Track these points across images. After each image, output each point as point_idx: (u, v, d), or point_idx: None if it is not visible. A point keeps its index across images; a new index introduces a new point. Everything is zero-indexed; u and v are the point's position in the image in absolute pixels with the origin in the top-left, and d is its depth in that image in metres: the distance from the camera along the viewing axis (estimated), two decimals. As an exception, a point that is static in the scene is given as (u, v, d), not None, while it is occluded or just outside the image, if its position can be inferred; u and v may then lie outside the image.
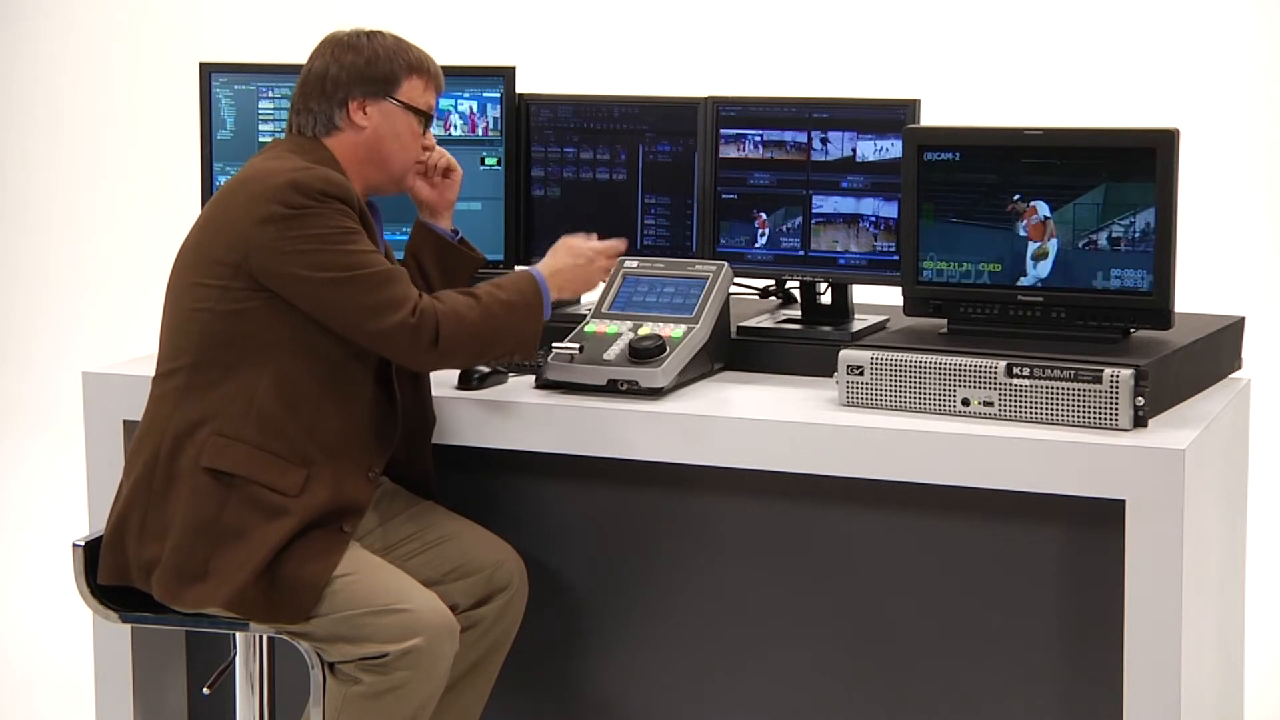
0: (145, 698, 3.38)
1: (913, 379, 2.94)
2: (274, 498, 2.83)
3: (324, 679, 2.86)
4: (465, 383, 3.13)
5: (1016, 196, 3.04)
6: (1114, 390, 2.80)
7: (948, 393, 2.92)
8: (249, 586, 2.80)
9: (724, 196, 3.39)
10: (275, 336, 2.86)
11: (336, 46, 3.00)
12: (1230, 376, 3.25)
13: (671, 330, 3.12)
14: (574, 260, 3.10)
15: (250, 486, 2.83)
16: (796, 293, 3.45)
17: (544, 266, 3.06)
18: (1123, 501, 2.74)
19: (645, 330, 3.12)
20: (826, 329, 3.31)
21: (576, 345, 3.08)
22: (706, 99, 3.40)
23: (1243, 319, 3.30)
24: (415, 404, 3.05)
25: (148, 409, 2.93)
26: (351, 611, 2.81)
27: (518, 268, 3.28)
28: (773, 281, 3.50)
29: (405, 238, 3.23)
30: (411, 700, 2.81)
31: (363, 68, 2.98)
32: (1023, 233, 3.04)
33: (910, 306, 3.14)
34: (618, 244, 3.20)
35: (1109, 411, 2.80)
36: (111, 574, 2.90)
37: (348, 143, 2.99)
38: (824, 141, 3.29)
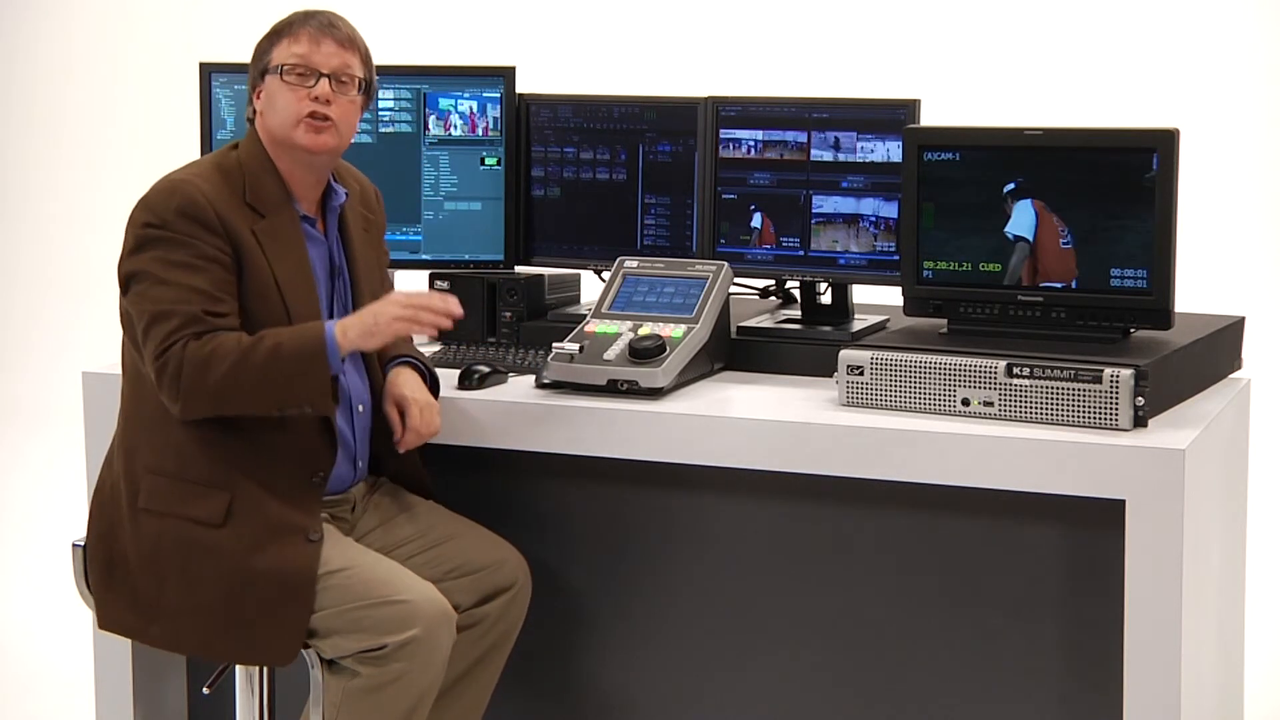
0: (145, 698, 3.38)
1: (913, 379, 2.94)
2: (201, 534, 2.80)
3: (323, 678, 2.86)
4: (465, 383, 3.13)
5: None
6: (1114, 390, 2.80)
7: (948, 393, 2.92)
8: (217, 633, 2.80)
9: (724, 196, 3.38)
10: None
11: None
12: (1230, 376, 3.25)
13: (671, 330, 3.12)
14: (377, 308, 2.84)
15: (180, 525, 2.82)
16: (796, 293, 3.45)
17: (342, 319, 2.84)
18: (1123, 501, 2.73)
19: (645, 330, 3.12)
20: (826, 329, 3.31)
21: (576, 345, 3.08)
22: (706, 99, 3.40)
23: (1243, 319, 3.30)
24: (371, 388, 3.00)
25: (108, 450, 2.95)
26: (348, 605, 2.81)
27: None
28: (773, 281, 3.50)
29: (405, 238, 3.21)
30: (410, 692, 2.81)
31: (251, 63, 2.98)
32: (1023, 233, 3.05)
33: (910, 306, 3.14)
34: (447, 304, 2.86)
35: (1109, 411, 2.80)
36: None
37: (262, 130, 2.97)
38: (823, 141, 3.29)
